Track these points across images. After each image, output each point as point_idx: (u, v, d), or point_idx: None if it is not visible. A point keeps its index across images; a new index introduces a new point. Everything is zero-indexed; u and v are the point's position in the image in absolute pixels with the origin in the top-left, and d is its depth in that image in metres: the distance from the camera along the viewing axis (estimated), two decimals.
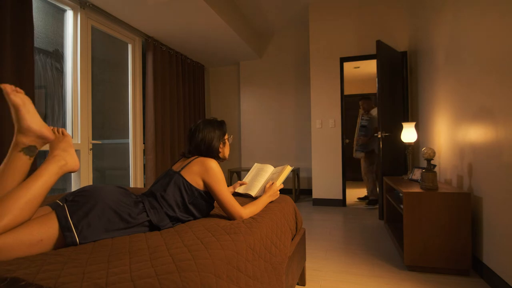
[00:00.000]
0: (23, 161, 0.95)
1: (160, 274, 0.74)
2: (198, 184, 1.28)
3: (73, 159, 1.05)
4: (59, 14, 2.79)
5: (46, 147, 2.28)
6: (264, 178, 1.73)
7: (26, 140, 0.95)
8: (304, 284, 1.81)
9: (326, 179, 4.14)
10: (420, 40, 3.29)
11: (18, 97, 0.94)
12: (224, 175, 1.44)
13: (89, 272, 0.75)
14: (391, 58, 3.53)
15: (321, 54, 4.16)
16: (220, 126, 1.45)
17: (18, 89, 0.95)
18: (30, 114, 0.95)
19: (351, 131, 6.69)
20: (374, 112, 4.15)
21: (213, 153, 1.40)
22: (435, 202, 1.95)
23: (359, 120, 4.20)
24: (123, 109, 3.67)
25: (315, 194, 4.19)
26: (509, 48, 1.57)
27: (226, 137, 1.48)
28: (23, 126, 0.94)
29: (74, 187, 2.83)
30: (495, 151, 1.72)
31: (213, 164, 1.29)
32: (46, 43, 2.68)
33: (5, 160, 0.95)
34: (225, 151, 1.48)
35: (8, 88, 0.93)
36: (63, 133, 1.12)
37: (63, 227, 0.95)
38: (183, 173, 1.29)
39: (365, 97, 4.30)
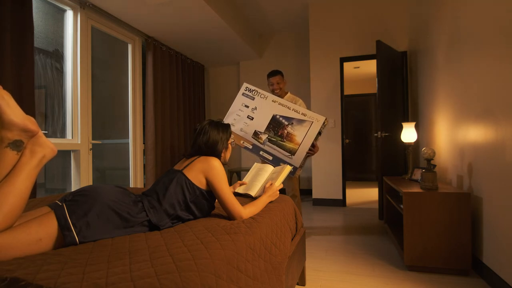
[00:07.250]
0: (10, 157, 0.93)
1: (160, 274, 0.74)
2: (200, 182, 1.29)
3: (49, 148, 1.01)
4: (59, 14, 2.79)
5: None
6: (264, 178, 1.73)
7: (11, 135, 0.92)
8: (304, 284, 1.81)
9: (326, 179, 4.14)
10: (420, 40, 3.29)
11: None
12: None
13: (89, 272, 0.75)
14: (391, 58, 3.53)
15: (321, 54, 4.15)
16: (225, 129, 1.46)
17: None
18: (10, 108, 0.91)
19: (351, 131, 6.70)
20: (294, 99, 2.61)
21: (216, 156, 1.40)
22: (435, 202, 1.95)
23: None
24: (123, 109, 3.66)
25: (315, 194, 4.19)
26: (510, 46, 1.57)
27: (230, 141, 1.48)
28: (5, 120, 0.91)
29: (74, 187, 2.83)
30: (495, 151, 1.72)
31: (216, 162, 1.30)
32: (46, 43, 2.68)
33: None
34: (227, 155, 1.49)
35: None
36: None
37: (62, 227, 0.95)
38: (185, 171, 1.30)
39: (276, 71, 2.73)
